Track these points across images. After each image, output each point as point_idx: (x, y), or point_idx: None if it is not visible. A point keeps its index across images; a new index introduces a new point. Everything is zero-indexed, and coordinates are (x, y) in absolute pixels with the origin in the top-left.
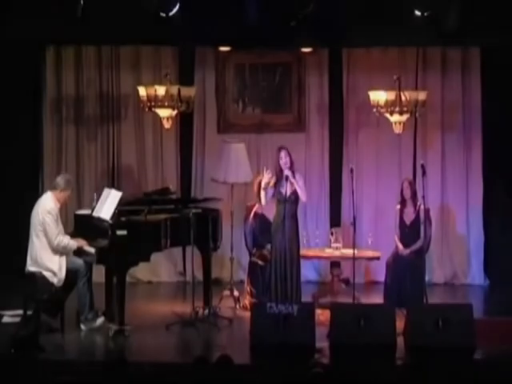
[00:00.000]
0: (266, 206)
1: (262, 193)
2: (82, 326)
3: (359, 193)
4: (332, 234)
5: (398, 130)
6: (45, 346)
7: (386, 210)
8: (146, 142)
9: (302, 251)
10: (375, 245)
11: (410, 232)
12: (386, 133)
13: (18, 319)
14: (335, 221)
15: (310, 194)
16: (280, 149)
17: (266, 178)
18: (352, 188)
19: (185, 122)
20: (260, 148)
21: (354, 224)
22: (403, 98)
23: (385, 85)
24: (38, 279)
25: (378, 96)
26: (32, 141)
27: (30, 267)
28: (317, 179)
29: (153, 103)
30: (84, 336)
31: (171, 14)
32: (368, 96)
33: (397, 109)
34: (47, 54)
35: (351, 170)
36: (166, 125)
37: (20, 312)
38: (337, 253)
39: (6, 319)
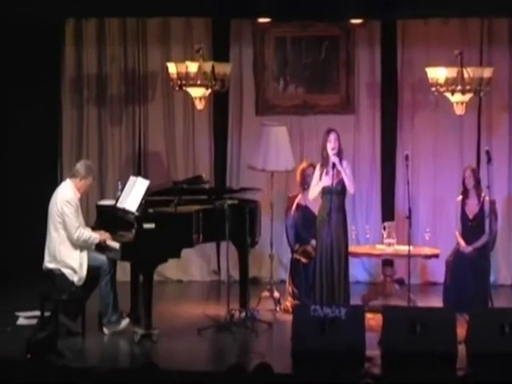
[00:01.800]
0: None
1: (317, 189)
2: (105, 330)
3: (415, 182)
4: (384, 228)
5: (459, 111)
6: (64, 351)
7: (445, 202)
8: (175, 125)
9: (351, 248)
10: (433, 241)
11: (472, 227)
12: (446, 115)
13: (34, 321)
14: (388, 214)
15: (360, 184)
16: (329, 131)
17: (327, 181)
18: (407, 177)
19: (219, 102)
20: (303, 132)
21: (409, 218)
22: (466, 75)
23: (445, 61)
24: (56, 277)
25: (437, 73)
26: (50, 124)
27: (48, 264)
28: (367, 167)
29: (184, 82)
30: (107, 340)
31: None
32: (426, 73)
33: (458, 87)
34: (66, 28)
35: (406, 157)
36: (199, 106)
37: (37, 313)
38: (390, 250)
39: (21, 321)
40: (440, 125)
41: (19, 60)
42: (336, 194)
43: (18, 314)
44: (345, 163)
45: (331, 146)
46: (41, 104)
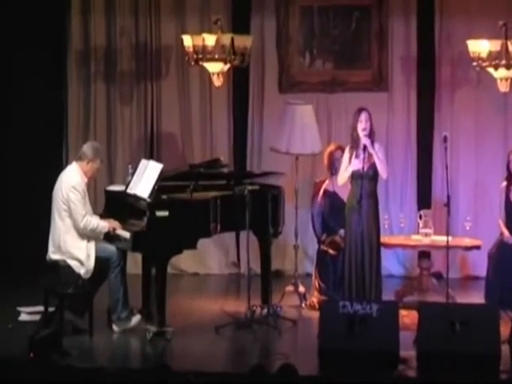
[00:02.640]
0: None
1: (346, 173)
2: (114, 327)
3: (454, 167)
4: (420, 217)
5: (503, 88)
6: (69, 349)
7: (488, 189)
8: (191, 103)
9: (383, 238)
10: (474, 231)
11: None
12: (489, 92)
13: (37, 317)
14: (424, 201)
15: (393, 168)
16: (360, 110)
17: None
18: (445, 161)
19: (239, 78)
20: (331, 111)
21: (447, 205)
22: (510, 48)
23: (488, 33)
24: (61, 269)
25: (479, 46)
26: (54, 102)
27: (52, 255)
28: (402, 150)
29: (200, 56)
30: (116, 339)
31: None
32: (466, 47)
33: (502, 62)
34: None
35: (445, 139)
36: (217, 82)
37: (40, 309)
38: (426, 241)
39: (23, 317)
40: (482, 103)
41: (20, 31)
42: (367, 179)
43: (19, 309)
44: (377, 145)
45: (362, 126)
46: (44, 80)
